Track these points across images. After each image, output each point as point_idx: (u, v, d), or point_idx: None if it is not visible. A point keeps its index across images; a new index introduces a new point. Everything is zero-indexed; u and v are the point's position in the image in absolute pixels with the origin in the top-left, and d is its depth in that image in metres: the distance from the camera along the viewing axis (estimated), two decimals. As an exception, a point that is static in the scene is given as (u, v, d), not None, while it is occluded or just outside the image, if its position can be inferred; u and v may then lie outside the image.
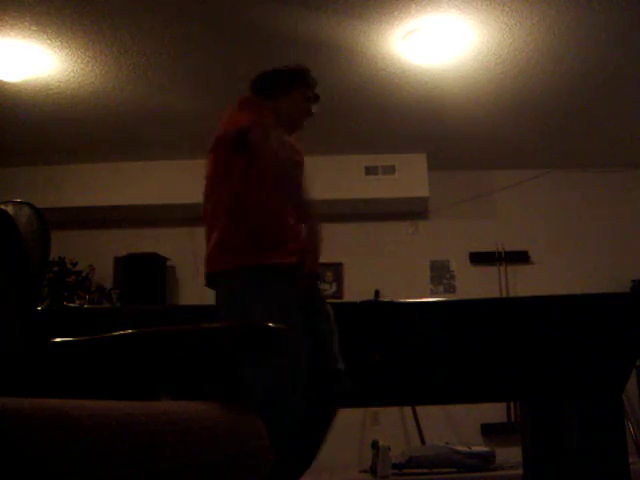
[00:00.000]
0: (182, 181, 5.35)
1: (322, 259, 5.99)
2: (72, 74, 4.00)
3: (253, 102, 2.35)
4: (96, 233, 5.63)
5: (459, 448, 4.09)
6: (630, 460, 2.69)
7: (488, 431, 5.04)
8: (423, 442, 4.64)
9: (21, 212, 1.36)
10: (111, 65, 3.91)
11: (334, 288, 5.45)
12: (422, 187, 5.25)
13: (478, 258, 5.48)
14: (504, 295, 5.29)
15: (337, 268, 5.48)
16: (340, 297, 5.40)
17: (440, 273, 5.49)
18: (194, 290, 5.54)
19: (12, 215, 1.30)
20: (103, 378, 1.31)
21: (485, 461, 4.08)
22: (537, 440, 3.06)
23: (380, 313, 2.72)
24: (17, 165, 5.29)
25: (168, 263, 5.49)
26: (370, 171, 5.30)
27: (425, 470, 4.01)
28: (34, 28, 3.49)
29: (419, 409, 4.76)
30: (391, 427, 5.03)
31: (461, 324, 2.66)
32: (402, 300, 2.94)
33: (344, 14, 3.43)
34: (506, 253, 5.46)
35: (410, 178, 5.27)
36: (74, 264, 5.20)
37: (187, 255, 5.60)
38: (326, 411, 2.15)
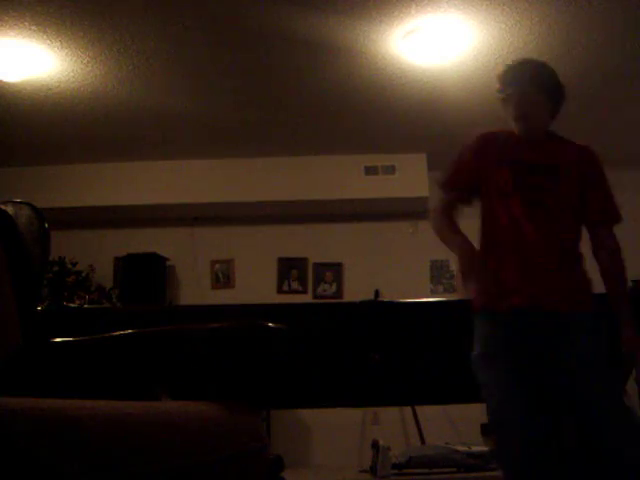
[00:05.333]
0: (182, 181, 5.36)
1: (322, 259, 6.00)
2: (72, 74, 4.00)
3: None
4: (96, 233, 5.63)
5: (459, 448, 4.09)
6: (630, 460, 2.68)
7: (488, 431, 5.04)
8: (423, 442, 4.64)
9: (21, 212, 1.36)
10: (111, 65, 3.91)
11: (334, 288, 5.46)
12: (422, 187, 5.24)
13: (478, 258, 5.48)
14: (504, 295, 5.28)
15: (337, 268, 5.49)
16: (340, 297, 5.40)
17: (440, 273, 5.49)
18: (194, 290, 5.55)
19: (12, 215, 1.30)
20: (103, 378, 1.31)
21: (485, 461, 4.08)
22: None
23: (380, 313, 2.72)
24: (17, 165, 5.29)
25: (168, 263, 5.49)
26: (370, 171, 5.30)
27: (425, 470, 4.01)
28: (34, 28, 3.49)
29: (419, 409, 4.76)
30: (391, 427, 5.03)
31: (461, 324, 2.65)
32: (402, 300, 2.94)
33: (344, 14, 3.43)
34: (506, 253, 5.45)
35: (410, 178, 5.26)
36: (74, 264, 5.20)
37: (187, 255, 5.60)
38: None
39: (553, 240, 2.10)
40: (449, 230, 2.25)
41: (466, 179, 2.26)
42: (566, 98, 2.20)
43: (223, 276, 5.62)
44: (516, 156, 2.16)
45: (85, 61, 3.86)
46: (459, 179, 2.27)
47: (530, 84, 2.14)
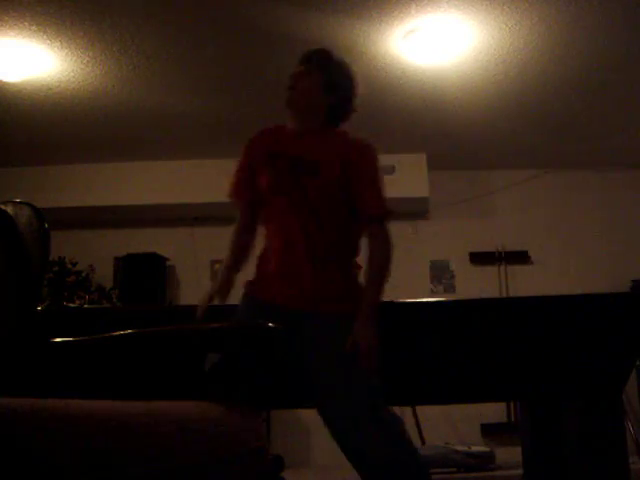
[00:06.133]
0: (182, 181, 5.36)
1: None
2: (72, 74, 4.00)
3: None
4: (96, 233, 5.63)
5: (459, 448, 4.09)
6: (630, 460, 2.68)
7: (488, 431, 5.04)
8: (423, 442, 4.64)
9: (21, 212, 1.35)
10: (111, 65, 3.91)
11: (334, 288, 5.45)
12: (422, 187, 5.24)
13: (478, 258, 5.48)
14: (504, 295, 5.29)
15: (337, 268, 5.48)
16: (340, 297, 5.39)
17: (440, 273, 5.49)
18: (194, 290, 5.55)
19: (12, 215, 1.30)
20: (103, 378, 1.31)
21: (485, 461, 4.08)
22: (537, 440, 3.06)
23: (380, 313, 2.72)
24: (17, 165, 5.29)
25: (168, 263, 5.49)
26: (370, 171, 5.29)
27: (425, 470, 4.00)
28: (34, 28, 3.49)
29: (419, 409, 4.76)
30: (391, 427, 5.02)
31: (461, 324, 2.66)
32: (402, 300, 2.94)
33: (344, 14, 3.43)
34: (506, 253, 5.46)
35: (410, 178, 5.26)
36: (74, 264, 5.20)
37: (187, 255, 5.60)
38: None
39: (309, 238, 2.04)
40: (227, 254, 2.21)
41: (243, 186, 2.21)
42: (352, 94, 2.20)
43: (223, 276, 5.62)
44: (280, 151, 2.11)
45: (85, 61, 3.86)
46: (237, 188, 2.22)
47: (306, 62, 2.13)
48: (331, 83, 2.13)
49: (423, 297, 4.86)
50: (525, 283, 5.34)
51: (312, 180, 2.04)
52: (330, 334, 1.97)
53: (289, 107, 2.15)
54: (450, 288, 5.45)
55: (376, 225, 2.17)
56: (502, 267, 5.45)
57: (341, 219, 2.11)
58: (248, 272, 2.18)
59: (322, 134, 2.15)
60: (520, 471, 3.34)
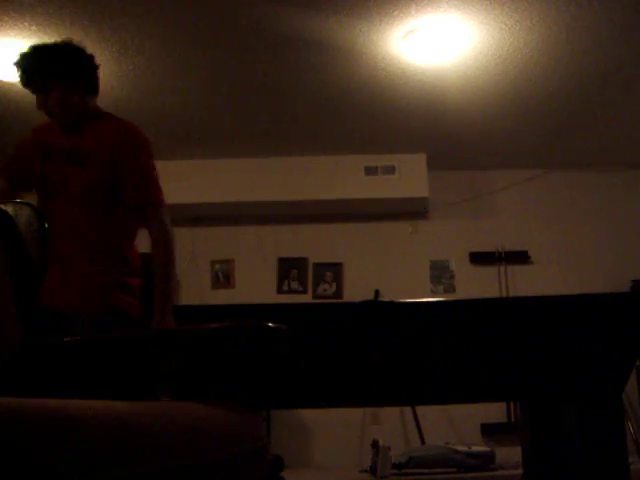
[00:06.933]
0: (181, 181, 5.35)
1: (322, 259, 6.00)
2: (72, 74, 4.00)
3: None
4: (96, 233, 5.62)
5: (459, 448, 4.09)
6: (630, 460, 2.69)
7: (488, 431, 5.04)
8: (423, 442, 4.64)
9: (21, 212, 1.36)
10: (111, 65, 3.91)
11: (334, 288, 5.45)
12: (422, 187, 5.24)
13: (478, 258, 5.48)
14: (504, 295, 5.29)
15: (337, 268, 5.48)
16: (340, 297, 5.40)
17: (440, 273, 5.49)
18: (194, 290, 5.55)
19: (12, 215, 1.30)
20: (103, 378, 1.31)
21: (485, 461, 4.08)
22: (537, 440, 3.06)
23: (380, 313, 2.72)
24: (17, 165, 5.29)
25: (168, 263, 5.48)
26: (370, 171, 5.30)
27: (425, 470, 4.01)
28: (34, 28, 3.49)
29: (419, 409, 4.76)
30: (391, 427, 5.03)
31: (461, 324, 2.66)
32: (402, 300, 2.94)
33: (344, 14, 3.43)
34: (506, 253, 5.46)
35: (410, 178, 5.26)
36: (74, 264, 5.19)
37: (187, 255, 5.60)
38: None
39: (73, 234, 1.98)
40: None
41: (10, 164, 2.20)
42: (90, 67, 2.20)
43: (223, 276, 5.62)
44: (55, 145, 2.07)
45: (85, 61, 3.85)
46: (5, 164, 2.20)
47: (33, 74, 2.15)
48: (75, 82, 2.11)
49: (423, 297, 4.86)
50: (525, 283, 5.34)
51: (79, 172, 2.00)
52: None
53: (50, 117, 2.10)
54: (450, 288, 5.45)
55: (149, 214, 2.08)
56: (502, 267, 5.45)
57: (113, 210, 2.04)
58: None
59: (94, 122, 2.11)
60: (520, 471, 3.33)
